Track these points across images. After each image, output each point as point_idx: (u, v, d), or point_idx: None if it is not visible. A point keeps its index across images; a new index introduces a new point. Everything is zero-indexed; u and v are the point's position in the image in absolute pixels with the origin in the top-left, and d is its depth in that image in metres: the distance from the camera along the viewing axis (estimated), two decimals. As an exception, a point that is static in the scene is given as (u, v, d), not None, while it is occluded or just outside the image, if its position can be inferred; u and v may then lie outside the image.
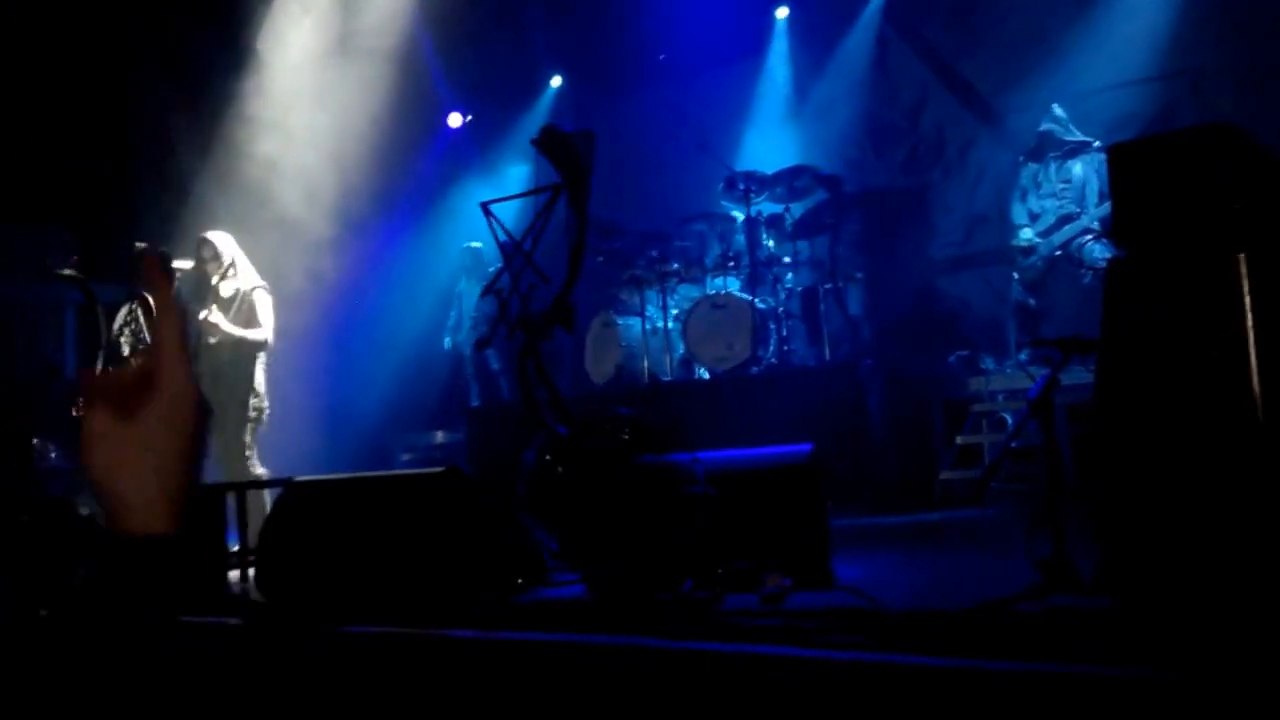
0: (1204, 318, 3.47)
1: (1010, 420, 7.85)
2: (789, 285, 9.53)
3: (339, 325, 10.62)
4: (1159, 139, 4.13)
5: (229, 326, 7.55)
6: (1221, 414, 3.37)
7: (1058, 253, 8.65)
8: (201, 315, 7.58)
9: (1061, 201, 8.72)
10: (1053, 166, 8.83)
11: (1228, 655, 2.81)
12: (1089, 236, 8.53)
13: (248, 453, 7.62)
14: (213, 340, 7.60)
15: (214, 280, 7.68)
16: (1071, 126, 8.84)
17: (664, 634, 3.70)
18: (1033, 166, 8.98)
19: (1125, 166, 3.84)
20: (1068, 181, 8.72)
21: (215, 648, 4.67)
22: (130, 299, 7.91)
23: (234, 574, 6.27)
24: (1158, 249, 3.66)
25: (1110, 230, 8.17)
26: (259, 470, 7.58)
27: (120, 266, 8.53)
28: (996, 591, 3.67)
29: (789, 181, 9.68)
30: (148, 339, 7.63)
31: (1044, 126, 8.91)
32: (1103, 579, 3.55)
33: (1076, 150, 8.74)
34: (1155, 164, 3.76)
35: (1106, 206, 8.21)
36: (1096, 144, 8.65)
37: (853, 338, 9.42)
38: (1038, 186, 8.91)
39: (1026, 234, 8.82)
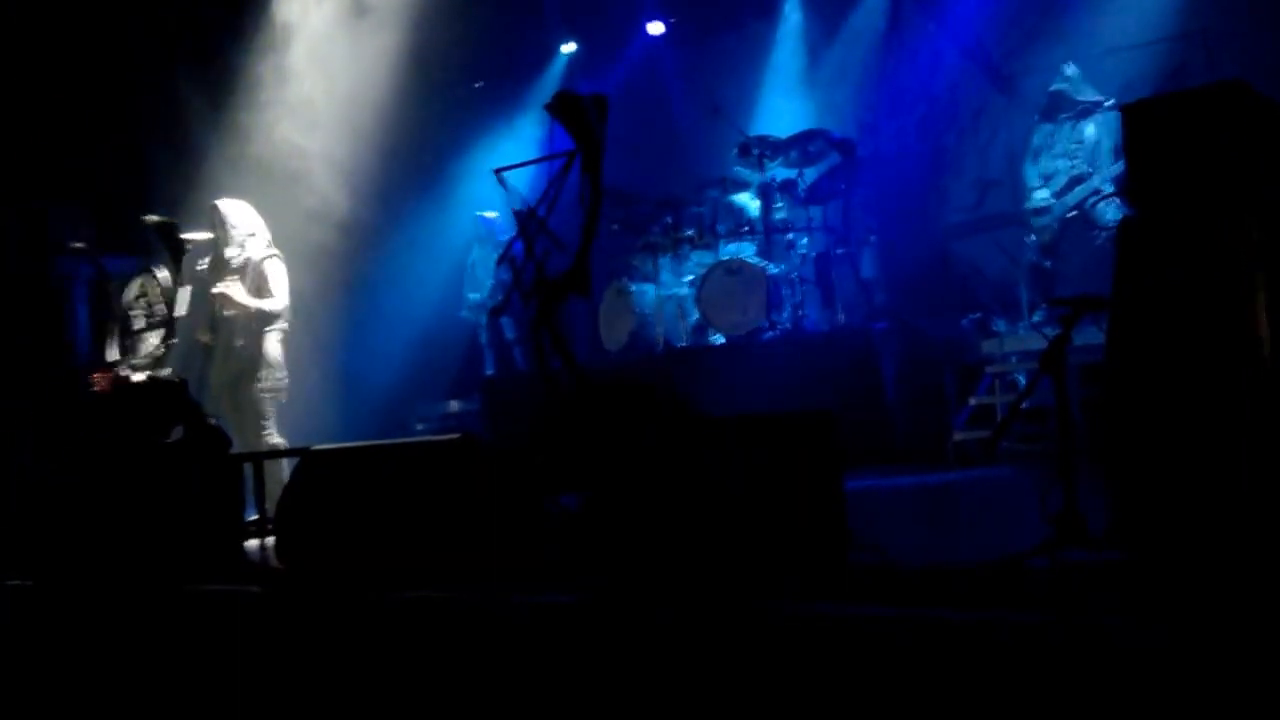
0: (1214, 278, 3.48)
1: (1022, 381, 7.85)
2: (802, 250, 9.51)
3: (353, 295, 10.63)
4: (1171, 98, 4.12)
5: (243, 298, 7.52)
6: (1231, 372, 3.38)
7: (1071, 214, 8.62)
8: (216, 289, 7.57)
9: (1074, 162, 8.68)
10: (1065, 127, 8.78)
11: (1236, 607, 2.83)
12: (1101, 197, 8.48)
13: (264, 422, 7.62)
14: (228, 313, 7.58)
15: (224, 249, 7.65)
16: (1084, 85, 8.79)
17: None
18: (1046, 127, 8.93)
19: (1138, 126, 3.83)
20: (1080, 142, 8.67)
21: (236, 615, 4.73)
22: (141, 272, 7.91)
23: (253, 543, 6.32)
24: (1169, 209, 3.67)
25: (1122, 190, 8.17)
26: (276, 441, 7.58)
27: (132, 240, 8.53)
28: (1010, 548, 3.70)
29: (802, 146, 9.64)
30: (161, 311, 7.63)
31: (1055, 86, 8.85)
32: (1114, 533, 3.57)
33: (1089, 110, 8.69)
34: (1167, 123, 3.75)
35: (1119, 166, 8.18)
36: (1109, 103, 8.59)
37: (866, 302, 9.41)
38: (1050, 147, 8.86)
39: (1040, 195, 8.78)
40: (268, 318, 7.59)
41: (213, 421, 6.30)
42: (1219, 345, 3.40)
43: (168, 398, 6.21)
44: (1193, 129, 3.67)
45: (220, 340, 7.66)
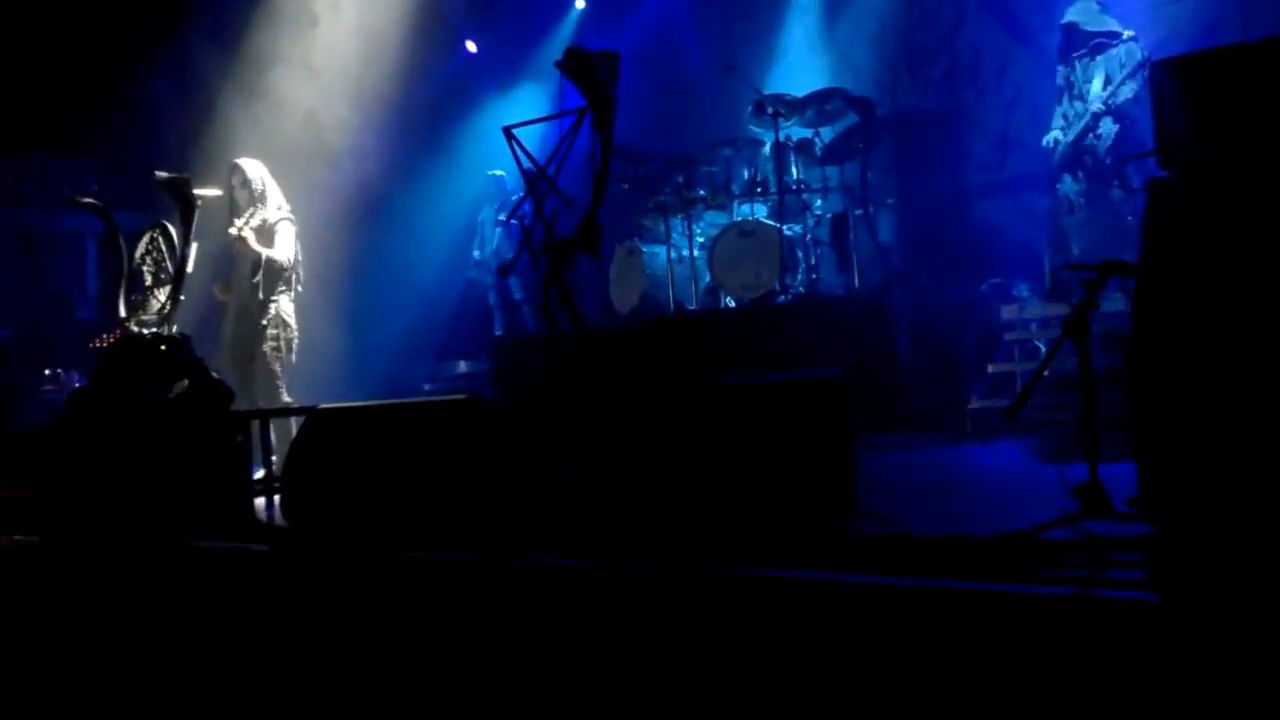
0: (1247, 242, 3.38)
1: (1043, 349, 7.73)
2: (818, 211, 9.38)
3: (362, 254, 10.60)
4: (1203, 55, 3.99)
5: (255, 244, 7.53)
6: (1261, 339, 3.30)
7: (1068, 152, 8.28)
8: (232, 229, 7.57)
9: (1085, 104, 8.30)
10: (1078, 66, 8.26)
11: (1263, 577, 2.77)
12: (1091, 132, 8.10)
13: (277, 382, 7.65)
14: (241, 252, 7.60)
15: (243, 207, 7.67)
16: (1101, 16, 8.23)
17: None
18: (1062, 69, 8.52)
19: (1168, 84, 3.73)
20: (1090, 82, 8.28)
21: (243, 573, 4.72)
22: (152, 227, 7.90)
23: (260, 501, 6.30)
24: (1201, 170, 3.56)
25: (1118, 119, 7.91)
26: (286, 400, 7.61)
27: (141, 195, 8.51)
28: (1030, 518, 3.62)
29: (819, 104, 9.50)
30: (169, 267, 7.62)
31: (1066, 19, 8.26)
32: (1139, 504, 3.50)
33: (1102, 45, 8.13)
34: (1200, 82, 3.65)
35: (1108, 92, 7.93)
36: (1126, 34, 8.06)
37: (883, 265, 9.28)
38: (1069, 89, 8.49)
39: (1051, 137, 8.43)
40: (277, 276, 7.62)
41: (216, 376, 6.30)
42: (1253, 311, 3.31)
43: (170, 354, 6.20)
44: (1226, 88, 3.56)
45: (234, 298, 7.71)
